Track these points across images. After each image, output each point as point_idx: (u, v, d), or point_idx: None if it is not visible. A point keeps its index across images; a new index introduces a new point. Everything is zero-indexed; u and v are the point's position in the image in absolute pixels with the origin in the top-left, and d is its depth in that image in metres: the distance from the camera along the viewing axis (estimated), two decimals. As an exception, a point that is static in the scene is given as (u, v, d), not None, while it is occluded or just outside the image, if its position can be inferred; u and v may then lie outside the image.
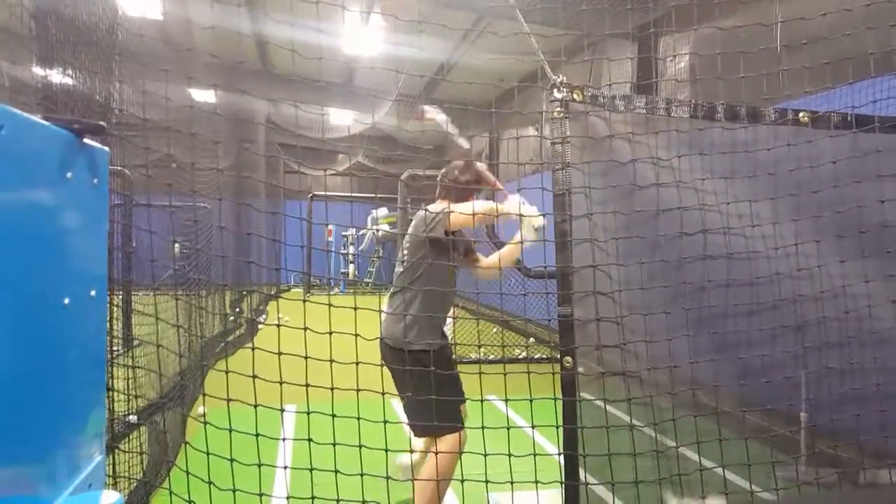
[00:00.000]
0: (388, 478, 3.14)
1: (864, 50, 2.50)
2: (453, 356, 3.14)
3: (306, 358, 2.10)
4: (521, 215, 2.72)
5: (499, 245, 5.64)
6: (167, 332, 2.87)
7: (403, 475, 3.31)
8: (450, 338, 6.47)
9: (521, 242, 2.76)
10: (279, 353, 2.08)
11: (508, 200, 2.82)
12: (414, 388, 2.65)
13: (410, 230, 2.94)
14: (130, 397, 3.05)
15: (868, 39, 2.46)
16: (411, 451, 3.06)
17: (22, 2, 2.04)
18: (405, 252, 2.96)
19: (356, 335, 2.27)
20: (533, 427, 2.20)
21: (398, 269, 3.01)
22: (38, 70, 2.04)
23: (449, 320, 6.39)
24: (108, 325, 2.34)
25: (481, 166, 3.13)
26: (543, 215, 2.65)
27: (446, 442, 2.74)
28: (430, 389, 2.48)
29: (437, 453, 2.61)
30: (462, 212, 2.71)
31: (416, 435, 2.96)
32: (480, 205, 2.74)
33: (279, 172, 14.70)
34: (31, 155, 0.93)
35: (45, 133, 0.98)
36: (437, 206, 2.93)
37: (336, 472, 2.09)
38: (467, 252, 3.21)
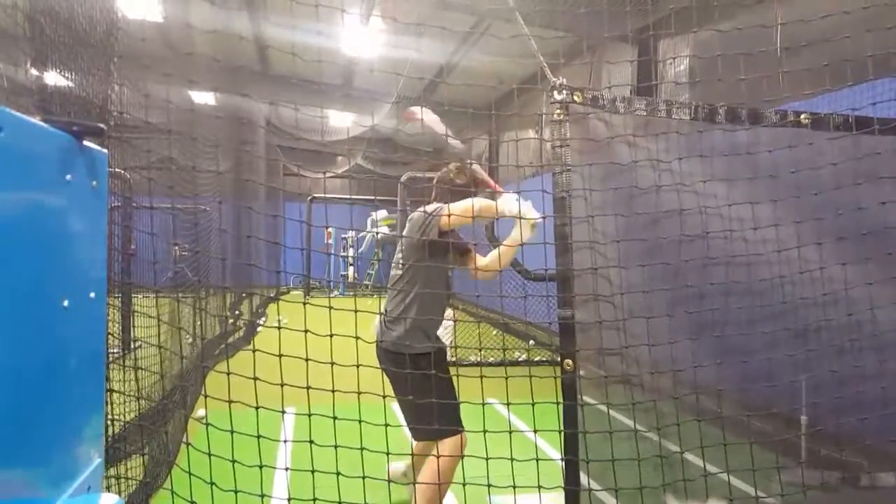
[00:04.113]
0: (388, 481, 3.11)
1: (863, 52, 2.50)
2: (448, 359, 3.09)
3: (307, 360, 2.10)
4: (520, 216, 2.65)
5: (497, 247, 5.58)
6: (167, 334, 2.86)
7: (405, 479, 3.29)
8: (450, 341, 6.46)
9: (522, 244, 2.73)
10: (279, 356, 2.07)
11: (504, 198, 2.76)
12: (414, 391, 2.62)
13: (406, 232, 2.91)
14: (130, 399, 3.04)
15: (867, 42, 2.45)
16: (412, 455, 3.04)
17: (16, 3, 2.03)
18: (401, 254, 2.93)
19: (356, 338, 2.26)
20: (535, 431, 2.19)
21: (394, 271, 2.98)
22: (33, 72, 2.03)
23: (449, 323, 6.37)
24: (106, 326, 2.32)
25: (476, 168, 3.09)
26: (544, 217, 2.61)
27: (448, 444, 2.71)
28: (431, 392, 2.47)
29: (438, 456, 2.59)
30: (458, 211, 2.67)
31: (416, 438, 2.94)
32: (478, 202, 2.70)
33: (279, 175, 14.69)
34: (31, 157, 0.93)
35: (44, 135, 0.98)
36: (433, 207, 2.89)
37: (338, 474, 2.09)
38: (464, 253, 3.15)
